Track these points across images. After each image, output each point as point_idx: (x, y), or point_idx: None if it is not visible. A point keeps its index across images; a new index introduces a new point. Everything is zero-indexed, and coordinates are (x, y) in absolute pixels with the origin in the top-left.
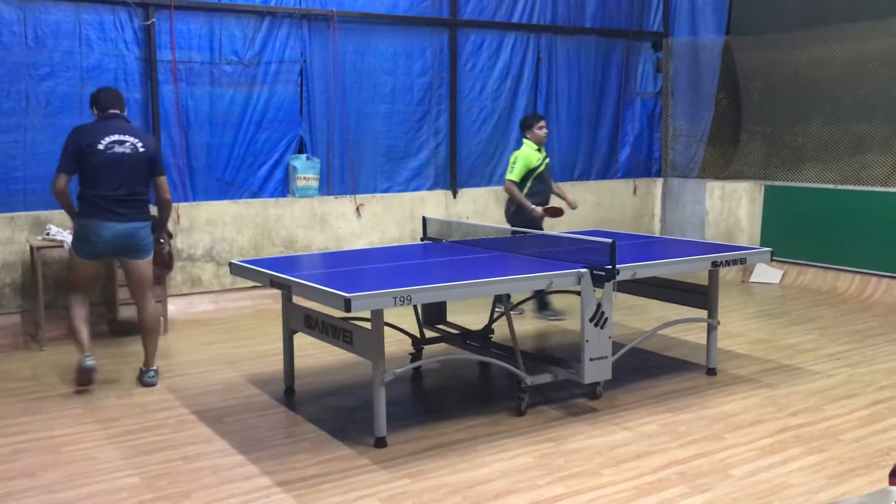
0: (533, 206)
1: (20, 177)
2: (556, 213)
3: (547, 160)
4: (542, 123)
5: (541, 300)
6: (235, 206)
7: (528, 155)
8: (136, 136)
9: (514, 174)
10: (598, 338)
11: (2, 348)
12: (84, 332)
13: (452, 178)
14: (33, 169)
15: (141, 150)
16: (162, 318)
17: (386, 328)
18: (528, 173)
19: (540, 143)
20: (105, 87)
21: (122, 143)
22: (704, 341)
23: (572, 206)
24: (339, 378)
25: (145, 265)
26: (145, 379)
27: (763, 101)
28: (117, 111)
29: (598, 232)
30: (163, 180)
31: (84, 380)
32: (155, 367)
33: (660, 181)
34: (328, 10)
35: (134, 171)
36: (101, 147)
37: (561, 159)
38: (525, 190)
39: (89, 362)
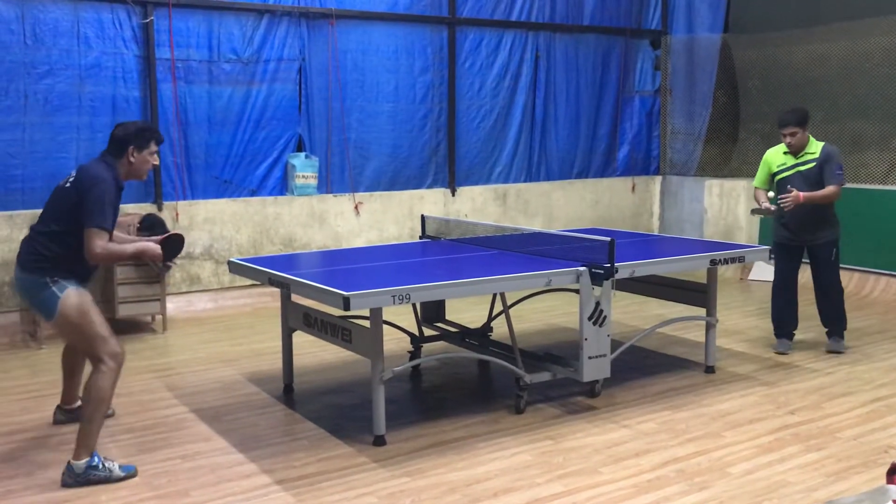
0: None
1: (19, 175)
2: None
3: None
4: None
5: None
6: (234, 204)
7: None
8: (79, 170)
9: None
10: (596, 336)
11: (0, 346)
12: (64, 381)
13: (451, 177)
14: (32, 167)
15: (68, 184)
16: (161, 318)
17: (385, 326)
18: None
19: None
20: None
21: (68, 176)
22: (703, 339)
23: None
24: (338, 376)
25: (58, 328)
26: (65, 477)
27: (761, 98)
28: (108, 152)
29: (596, 230)
30: (89, 234)
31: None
32: (89, 460)
33: (658, 179)
34: (327, 8)
35: (51, 207)
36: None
37: (559, 157)
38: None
39: (56, 417)
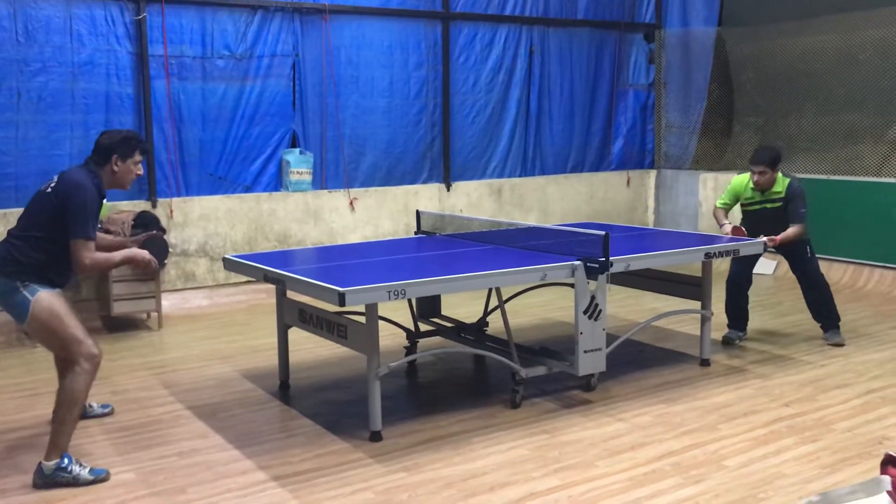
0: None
1: (12, 173)
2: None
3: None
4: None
5: None
6: (229, 200)
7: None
8: (61, 176)
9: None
10: (591, 330)
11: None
12: (60, 379)
13: (446, 172)
14: (25, 165)
15: (49, 190)
16: (156, 315)
17: (380, 322)
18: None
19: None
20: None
21: (49, 181)
22: (698, 332)
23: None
24: (334, 372)
25: (31, 331)
26: (35, 477)
27: (755, 92)
28: (92, 159)
29: (591, 224)
30: (75, 246)
31: None
32: (58, 462)
33: (653, 173)
34: (320, 3)
35: (31, 213)
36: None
37: (554, 152)
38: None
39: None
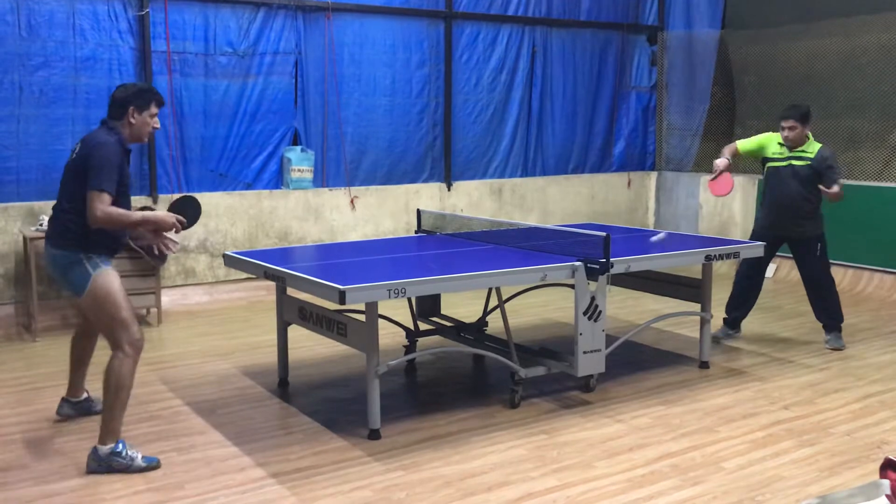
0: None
1: (13, 167)
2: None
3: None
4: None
5: None
6: (229, 197)
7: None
8: (83, 140)
9: None
10: (591, 331)
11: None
12: (71, 371)
13: (447, 171)
14: (26, 159)
15: (75, 155)
16: (156, 311)
17: (380, 320)
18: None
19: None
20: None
21: (73, 149)
22: (697, 334)
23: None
24: (333, 370)
25: (84, 306)
26: (90, 460)
27: (757, 95)
28: (107, 117)
29: (592, 225)
30: (90, 197)
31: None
32: (113, 446)
33: (654, 175)
34: (323, 1)
35: (65, 183)
36: None
37: (556, 152)
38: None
39: (60, 410)
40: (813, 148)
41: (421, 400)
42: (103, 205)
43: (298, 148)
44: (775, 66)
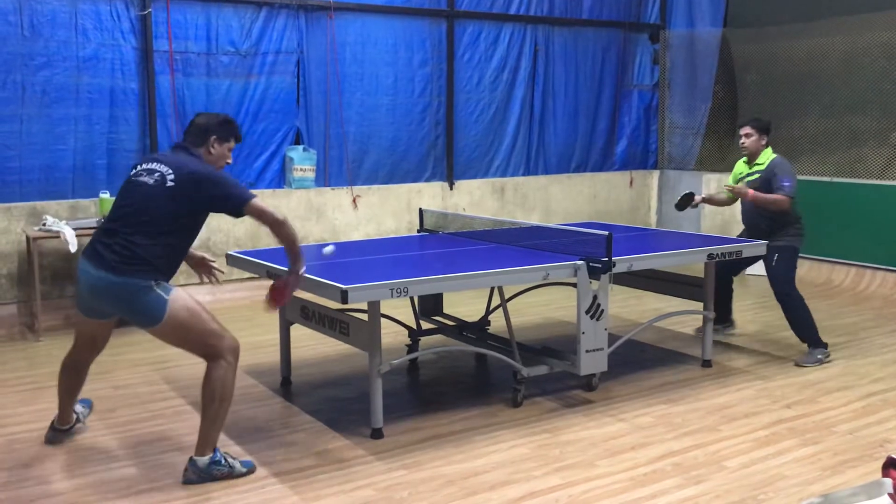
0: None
1: (16, 167)
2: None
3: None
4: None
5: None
6: None
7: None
8: (172, 166)
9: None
10: (593, 330)
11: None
12: (62, 400)
13: (449, 170)
14: (29, 159)
15: (169, 183)
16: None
17: (382, 319)
18: None
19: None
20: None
21: (151, 172)
22: (699, 333)
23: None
24: (336, 369)
25: (163, 332)
26: (189, 472)
27: (759, 93)
28: (186, 143)
29: (594, 224)
30: (253, 207)
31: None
32: (212, 455)
33: (656, 173)
34: (325, 1)
35: (144, 205)
36: (132, 174)
37: (558, 151)
38: None
39: (52, 439)
40: (766, 159)
41: (423, 399)
42: (266, 206)
43: (300, 147)
44: (777, 64)
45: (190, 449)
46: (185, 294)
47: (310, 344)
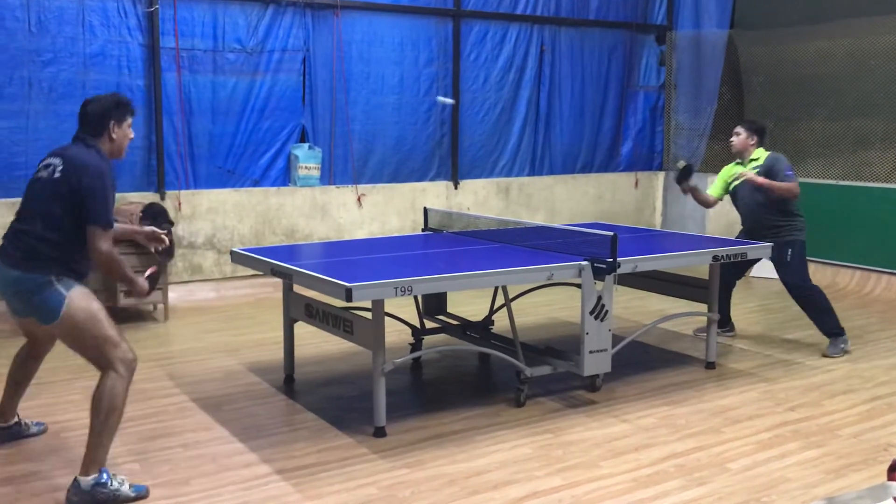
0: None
1: (22, 163)
2: None
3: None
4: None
5: None
6: (237, 194)
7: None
8: (64, 158)
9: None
10: (597, 330)
11: (1, 333)
12: (6, 393)
13: (454, 169)
14: (35, 155)
15: (57, 175)
16: (163, 307)
17: (386, 318)
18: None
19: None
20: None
21: (47, 166)
22: (704, 335)
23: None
24: (339, 367)
25: (60, 331)
26: (70, 494)
27: (766, 95)
28: (84, 133)
29: (599, 225)
30: (91, 232)
31: None
32: (97, 476)
33: (661, 175)
34: None
35: (40, 200)
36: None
37: (563, 151)
38: None
39: None
40: (761, 155)
41: (426, 398)
42: (108, 243)
43: (306, 145)
44: (784, 66)
45: (194, 445)
46: (87, 295)
47: (313, 342)
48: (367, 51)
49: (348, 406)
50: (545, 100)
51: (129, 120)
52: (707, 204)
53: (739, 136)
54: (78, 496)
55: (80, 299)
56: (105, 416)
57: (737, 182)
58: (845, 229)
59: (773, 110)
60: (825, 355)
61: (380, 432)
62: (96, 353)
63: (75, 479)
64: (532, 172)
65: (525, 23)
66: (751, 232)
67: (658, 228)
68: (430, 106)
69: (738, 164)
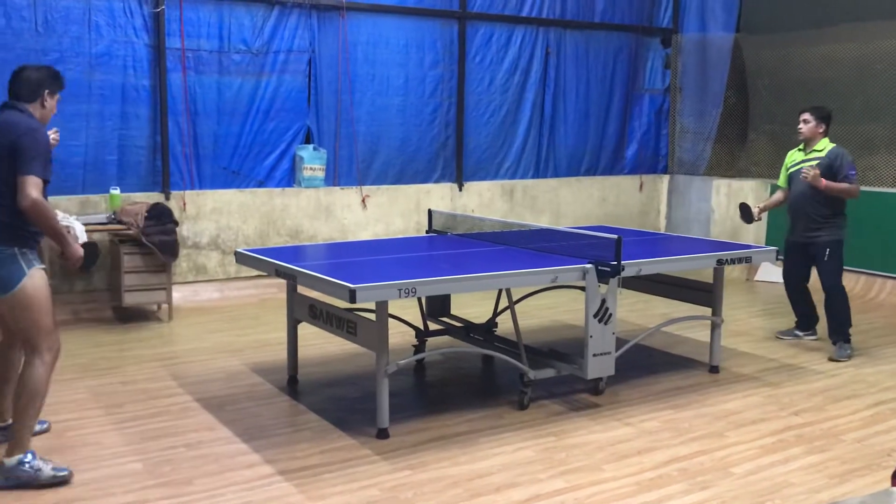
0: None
1: None
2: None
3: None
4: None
5: None
6: (241, 195)
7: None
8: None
9: None
10: (601, 333)
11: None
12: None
13: (458, 171)
14: None
15: None
16: (167, 306)
17: (390, 320)
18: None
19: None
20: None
21: None
22: (708, 339)
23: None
24: (343, 368)
25: (6, 303)
26: (5, 468)
27: (771, 99)
28: (16, 99)
29: (603, 228)
30: (21, 181)
31: None
32: (21, 456)
33: (666, 178)
34: (337, 0)
35: None
36: None
37: (568, 154)
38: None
39: None
40: (827, 147)
41: (429, 400)
42: (36, 191)
43: (311, 146)
44: (790, 70)
45: (197, 445)
46: (42, 278)
47: (317, 343)
48: (373, 52)
49: (351, 407)
50: (550, 102)
51: (58, 96)
52: (781, 202)
53: (808, 124)
54: (3, 475)
55: (37, 279)
56: (30, 399)
57: (795, 168)
58: (850, 233)
59: (778, 114)
60: (832, 359)
61: (383, 434)
62: (32, 334)
63: (0, 462)
64: (536, 175)
65: (530, 25)
66: (794, 220)
67: (662, 232)
68: (435, 108)
69: (799, 150)
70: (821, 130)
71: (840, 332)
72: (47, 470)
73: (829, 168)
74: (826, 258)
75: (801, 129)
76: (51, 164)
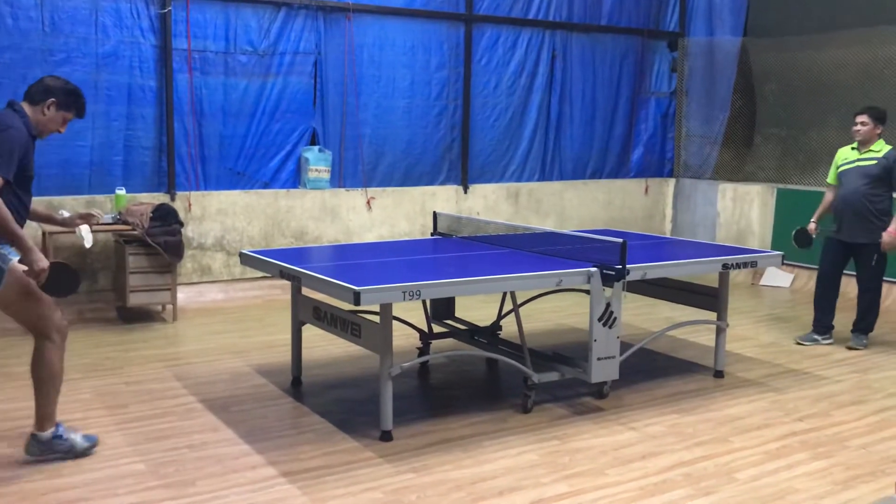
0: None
1: (35, 162)
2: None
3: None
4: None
5: None
6: (247, 196)
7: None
8: None
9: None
10: (606, 337)
11: (11, 332)
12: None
13: (464, 174)
14: (47, 154)
15: None
16: (171, 307)
17: (394, 322)
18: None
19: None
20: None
21: None
22: (713, 343)
23: None
24: (347, 370)
25: (3, 300)
26: (30, 446)
27: (778, 103)
28: (24, 100)
29: (608, 231)
30: None
31: None
32: (54, 430)
33: (672, 182)
34: (344, 2)
35: None
36: None
37: (573, 157)
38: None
39: (30, 449)
40: (883, 148)
41: (433, 402)
42: None
43: (316, 148)
44: (797, 75)
45: (200, 446)
46: (20, 267)
47: (321, 345)
48: (379, 54)
49: (355, 409)
50: (556, 105)
51: (71, 116)
52: (832, 203)
53: (866, 126)
54: (39, 448)
55: (19, 270)
56: (49, 381)
57: (848, 167)
58: None
59: (785, 118)
60: (850, 347)
61: (386, 436)
62: (35, 322)
63: (33, 435)
64: (542, 178)
65: (537, 28)
66: (842, 218)
67: (668, 236)
68: (441, 110)
69: (853, 149)
70: (878, 132)
71: (866, 328)
72: (80, 441)
73: (885, 170)
74: (874, 262)
75: (857, 130)
76: (26, 164)
